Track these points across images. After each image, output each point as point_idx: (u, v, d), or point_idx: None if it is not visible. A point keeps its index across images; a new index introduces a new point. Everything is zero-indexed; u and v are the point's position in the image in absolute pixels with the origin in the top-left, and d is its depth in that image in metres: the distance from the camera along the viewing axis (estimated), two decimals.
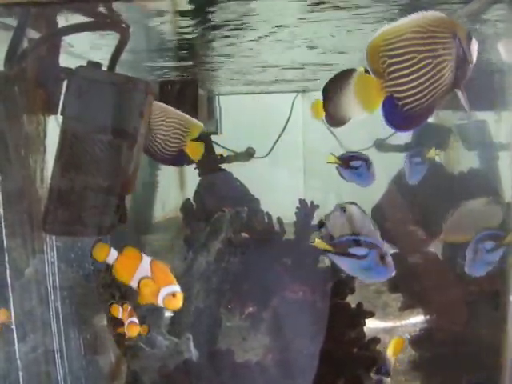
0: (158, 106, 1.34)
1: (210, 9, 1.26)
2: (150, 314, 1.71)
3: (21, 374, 1.34)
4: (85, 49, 1.56)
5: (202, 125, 1.43)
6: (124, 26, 1.24)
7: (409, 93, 0.89)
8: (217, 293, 2.05)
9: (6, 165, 1.26)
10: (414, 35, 0.87)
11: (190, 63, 2.09)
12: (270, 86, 2.96)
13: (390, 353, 1.47)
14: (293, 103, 3.20)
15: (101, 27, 1.32)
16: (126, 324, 1.37)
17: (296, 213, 2.35)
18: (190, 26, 1.41)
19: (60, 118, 1.16)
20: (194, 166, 2.95)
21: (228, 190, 2.80)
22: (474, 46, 0.89)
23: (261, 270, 2.15)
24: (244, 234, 2.24)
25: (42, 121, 1.34)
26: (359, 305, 1.60)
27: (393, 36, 0.87)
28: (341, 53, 1.91)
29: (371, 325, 1.64)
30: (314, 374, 1.49)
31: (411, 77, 0.88)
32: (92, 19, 1.23)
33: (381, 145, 2.87)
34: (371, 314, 1.61)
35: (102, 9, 1.20)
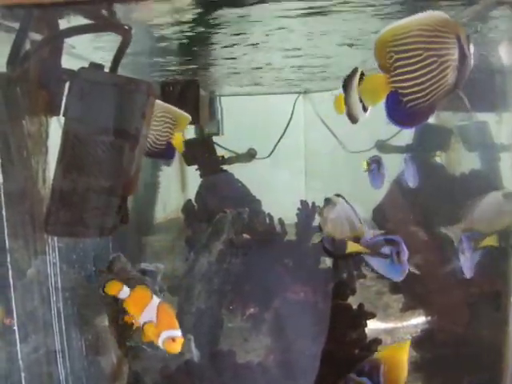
0: None
1: (212, 10, 1.27)
2: None
3: (23, 374, 1.33)
4: (87, 50, 1.57)
5: (189, 116, 1.43)
6: (126, 27, 1.24)
7: (413, 89, 0.90)
8: (218, 294, 2.05)
9: (8, 166, 1.26)
10: (421, 33, 0.88)
11: (192, 65, 2.10)
12: (271, 87, 2.96)
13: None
14: (294, 104, 3.18)
15: (102, 29, 1.32)
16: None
17: (297, 214, 2.35)
18: (191, 27, 1.41)
19: (62, 119, 1.17)
20: (195, 167, 2.96)
21: (229, 191, 2.80)
22: (472, 49, 0.90)
23: (262, 271, 2.15)
24: (245, 235, 2.24)
25: (45, 122, 1.34)
26: (360, 306, 1.60)
27: (401, 32, 0.89)
28: (342, 55, 1.91)
29: (372, 326, 1.63)
30: (315, 375, 1.49)
31: (417, 73, 0.89)
32: (94, 21, 1.23)
33: (382, 146, 2.87)
34: (372, 315, 1.61)
35: (103, 11, 1.20)
